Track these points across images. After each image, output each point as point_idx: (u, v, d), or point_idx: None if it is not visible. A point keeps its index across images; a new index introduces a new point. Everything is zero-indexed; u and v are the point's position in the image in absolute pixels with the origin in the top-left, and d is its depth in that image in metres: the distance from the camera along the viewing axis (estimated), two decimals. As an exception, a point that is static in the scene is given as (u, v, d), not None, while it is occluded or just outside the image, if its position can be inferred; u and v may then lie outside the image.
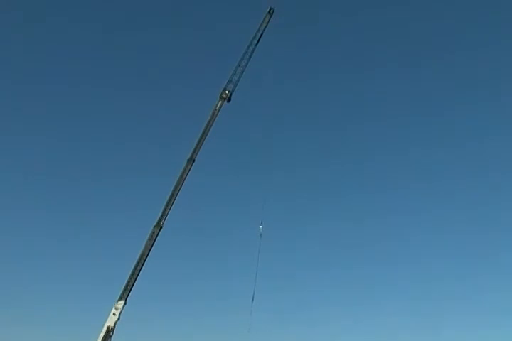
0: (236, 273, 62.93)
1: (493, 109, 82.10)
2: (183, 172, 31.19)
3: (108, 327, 27.37)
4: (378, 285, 67.47)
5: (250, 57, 33.15)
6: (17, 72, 79.65)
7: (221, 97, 32.60)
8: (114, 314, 27.67)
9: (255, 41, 33.54)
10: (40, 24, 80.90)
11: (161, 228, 29.90)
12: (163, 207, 30.44)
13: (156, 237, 29.60)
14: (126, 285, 28.26)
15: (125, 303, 27.92)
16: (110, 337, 27.36)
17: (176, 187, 30.85)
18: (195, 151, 31.67)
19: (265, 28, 33.87)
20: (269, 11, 34.11)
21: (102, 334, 27.22)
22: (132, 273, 28.50)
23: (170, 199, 30.56)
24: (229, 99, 32.72)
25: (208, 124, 32.07)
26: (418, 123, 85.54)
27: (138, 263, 28.83)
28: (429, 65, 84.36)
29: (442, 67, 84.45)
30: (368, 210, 76.89)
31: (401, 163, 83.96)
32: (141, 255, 29.01)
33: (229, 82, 32.84)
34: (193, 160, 31.49)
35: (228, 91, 32.63)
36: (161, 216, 30.14)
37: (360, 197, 77.85)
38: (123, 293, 28.14)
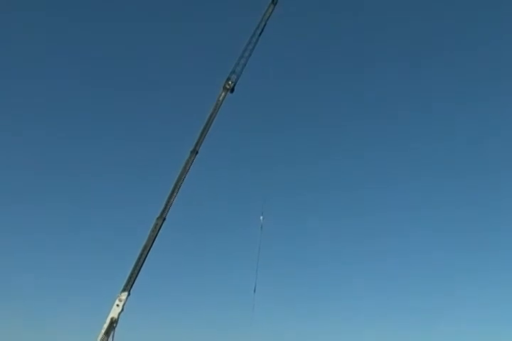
0: (237, 268, 63.14)
1: (493, 107, 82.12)
2: (186, 164, 31.05)
3: (112, 319, 27.28)
4: (378, 280, 67.90)
5: (254, 47, 32.90)
6: (19, 71, 79.82)
7: (224, 88, 32.39)
8: (117, 305, 27.58)
9: (258, 31, 33.30)
10: (40, 24, 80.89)
11: (164, 219, 29.80)
12: (166, 199, 30.32)
13: (160, 229, 29.50)
14: (130, 277, 28.18)
15: (129, 294, 27.86)
16: (114, 328, 27.28)
17: (178, 178, 30.69)
18: (199, 143, 31.51)
19: (268, 18, 33.62)
20: (272, 1, 33.87)
21: (105, 326, 27.15)
22: (136, 265, 28.42)
23: (173, 191, 30.41)
24: (232, 90, 32.53)
25: (211, 115, 31.87)
26: (418, 120, 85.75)
27: (141, 254, 28.74)
28: (430, 62, 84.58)
29: (442, 65, 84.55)
30: (369, 206, 77.19)
31: (402, 159, 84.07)
32: (145, 246, 28.91)
33: (232, 72, 32.66)
34: (197, 152, 31.33)
35: (231, 82, 32.41)
36: (164, 208, 30.03)
37: (360, 193, 78.05)
38: (126, 285, 28.05)
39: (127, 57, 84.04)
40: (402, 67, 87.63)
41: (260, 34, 33.23)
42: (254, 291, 30.77)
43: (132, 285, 28.24)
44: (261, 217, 32.39)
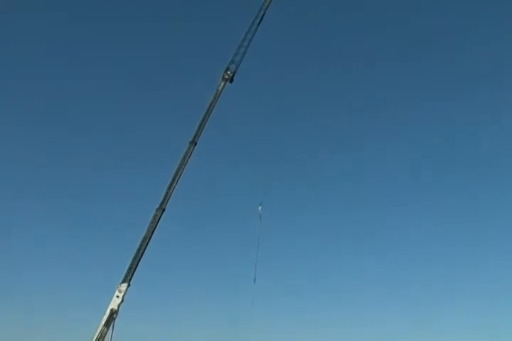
0: (236, 263, 63.19)
1: (492, 106, 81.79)
2: (185, 155, 30.88)
3: (111, 310, 27.17)
4: (378, 274, 68.04)
5: (252, 37, 32.62)
6: (21, 70, 79.49)
7: (223, 78, 32.12)
8: (117, 296, 27.48)
9: (257, 21, 32.98)
10: (39, 24, 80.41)
11: (163, 210, 29.66)
12: (165, 189, 30.17)
13: (159, 219, 29.38)
14: (130, 268, 28.08)
15: (128, 285, 27.77)
16: (114, 319, 27.17)
17: (178, 169, 30.53)
18: (198, 134, 31.31)
19: (268, 7, 33.28)
20: None
21: (105, 317, 27.06)
22: (135, 256, 28.31)
23: (172, 182, 30.27)
24: (231, 80, 32.26)
25: (210, 105, 31.63)
26: (418, 116, 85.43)
27: (141, 245, 28.61)
28: (430, 59, 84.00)
29: (442, 64, 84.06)
30: (368, 200, 77.20)
31: (401, 156, 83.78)
32: (144, 237, 28.79)
33: (231, 62, 32.40)
34: (195, 143, 31.14)
35: (230, 72, 32.15)
36: (164, 198, 29.89)
37: (360, 188, 78.05)
38: (126, 276, 27.95)
39: (127, 56, 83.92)
40: (401, 65, 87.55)
41: (259, 23, 32.92)
42: (254, 282, 30.77)
43: (132, 276, 28.13)
44: (259, 208, 32.53)
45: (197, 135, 31.19)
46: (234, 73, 32.25)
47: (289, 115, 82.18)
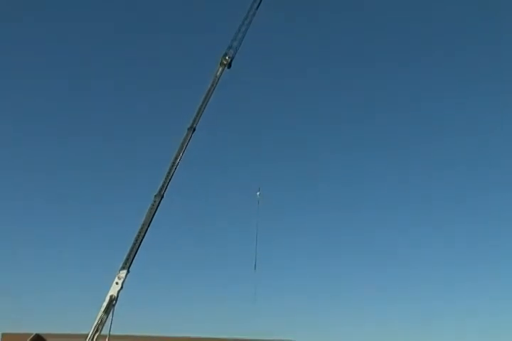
0: (236, 264, 63.35)
1: (492, 106, 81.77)
2: (183, 142, 30.65)
3: (111, 296, 26.96)
4: (376, 275, 68.34)
5: (251, 21, 32.30)
6: (21, 70, 79.62)
7: (221, 63, 31.85)
8: (116, 283, 27.30)
9: (255, 5, 32.66)
10: (39, 24, 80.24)
11: (162, 197, 29.47)
12: (163, 177, 29.95)
13: (158, 206, 29.19)
14: (129, 255, 27.90)
15: (128, 272, 27.59)
16: (113, 305, 26.99)
17: (176, 156, 30.30)
18: (196, 119, 31.09)
19: None
20: None
21: (105, 304, 26.85)
22: (134, 242, 28.09)
23: (170, 169, 30.03)
24: (229, 65, 31.99)
25: (208, 91, 31.38)
26: (418, 116, 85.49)
27: (140, 232, 28.41)
28: (430, 59, 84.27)
29: (443, 62, 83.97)
30: (367, 201, 77.22)
31: (401, 156, 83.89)
32: (143, 224, 28.59)
33: (229, 47, 32.11)
34: (194, 129, 30.91)
35: (228, 57, 31.87)
36: (162, 185, 29.70)
37: (359, 189, 78.10)
38: (125, 263, 27.74)
39: (127, 56, 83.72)
40: (401, 65, 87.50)
41: (257, 8, 32.58)
42: (255, 268, 30.70)
43: (131, 263, 27.94)
44: (257, 193, 32.63)
45: (195, 121, 30.97)
46: (232, 58, 31.98)
47: (289, 115, 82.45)
